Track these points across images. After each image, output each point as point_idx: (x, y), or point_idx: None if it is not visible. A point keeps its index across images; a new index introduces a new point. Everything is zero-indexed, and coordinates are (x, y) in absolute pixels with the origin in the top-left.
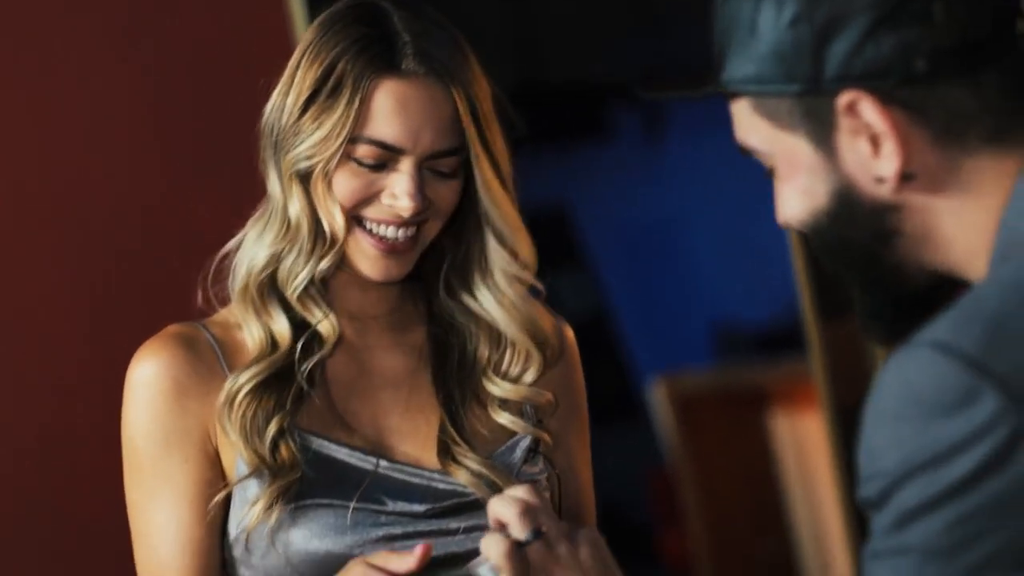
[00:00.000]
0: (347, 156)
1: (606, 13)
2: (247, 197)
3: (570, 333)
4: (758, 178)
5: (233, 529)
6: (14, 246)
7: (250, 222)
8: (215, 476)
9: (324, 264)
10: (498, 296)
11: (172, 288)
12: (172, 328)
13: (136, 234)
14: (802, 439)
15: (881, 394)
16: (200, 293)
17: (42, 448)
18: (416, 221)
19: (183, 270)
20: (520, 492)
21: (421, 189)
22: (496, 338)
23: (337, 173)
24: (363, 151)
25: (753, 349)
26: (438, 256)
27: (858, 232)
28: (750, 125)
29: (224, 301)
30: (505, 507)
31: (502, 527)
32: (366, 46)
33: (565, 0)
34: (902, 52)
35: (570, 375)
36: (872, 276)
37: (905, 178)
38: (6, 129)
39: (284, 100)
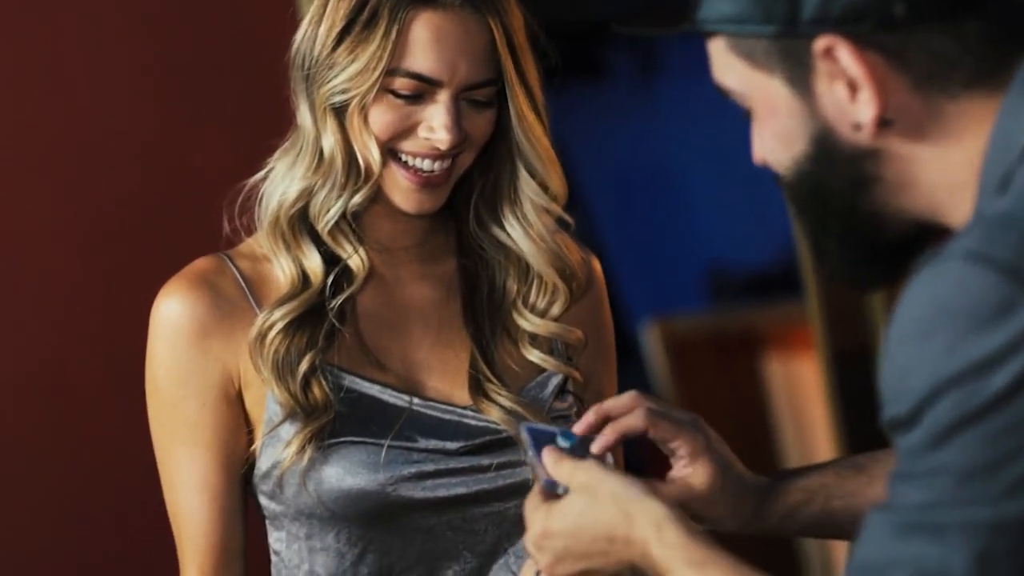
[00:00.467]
0: (383, 89)
1: None
2: (246, 131)
3: (598, 267)
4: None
5: (264, 464)
6: (12, 183)
7: (278, 153)
8: (235, 420)
9: (358, 199)
10: (526, 227)
11: (169, 222)
12: (198, 264)
13: (134, 168)
14: (796, 383)
15: (909, 309)
16: (225, 223)
17: (39, 384)
18: (453, 154)
19: (180, 204)
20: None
21: (458, 121)
22: (524, 271)
23: (373, 106)
24: (400, 84)
25: (748, 292)
26: (468, 186)
27: (837, 178)
28: (727, 65)
29: (249, 230)
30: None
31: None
32: None
33: None
34: None
35: (599, 311)
36: (849, 225)
37: (883, 124)
38: (5, 64)
39: (316, 30)
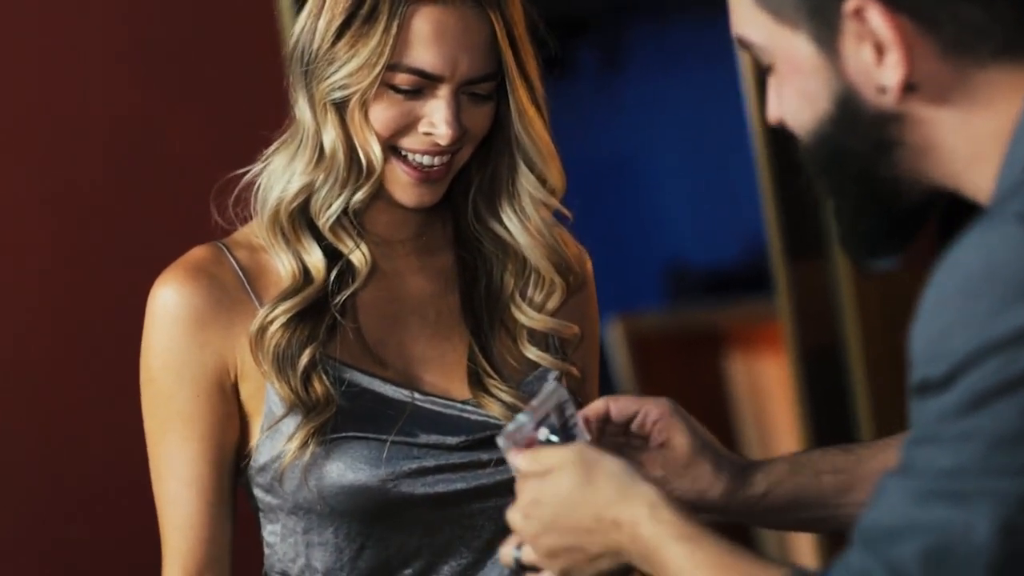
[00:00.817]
0: (384, 84)
1: None
2: (221, 120)
3: (589, 265)
4: (718, 114)
5: (263, 457)
6: None
7: (275, 145)
8: (229, 412)
9: (360, 195)
10: (524, 220)
11: (146, 209)
12: (196, 252)
13: (111, 154)
14: (760, 381)
15: (954, 269)
16: (215, 212)
17: (10, 373)
18: (453, 149)
19: (157, 190)
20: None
21: (459, 116)
22: (521, 264)
23: (374, 102)
24: (401, 79)
25: (711, 290)
26: (465, 179)
27: (859, 141)
28: (751, 17)
29: (243, 219)
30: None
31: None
32: None
33: None
34: None
35: (590, 307)
36: (866, 189)
37: (908, 89)
38: None
39: (315, 24)
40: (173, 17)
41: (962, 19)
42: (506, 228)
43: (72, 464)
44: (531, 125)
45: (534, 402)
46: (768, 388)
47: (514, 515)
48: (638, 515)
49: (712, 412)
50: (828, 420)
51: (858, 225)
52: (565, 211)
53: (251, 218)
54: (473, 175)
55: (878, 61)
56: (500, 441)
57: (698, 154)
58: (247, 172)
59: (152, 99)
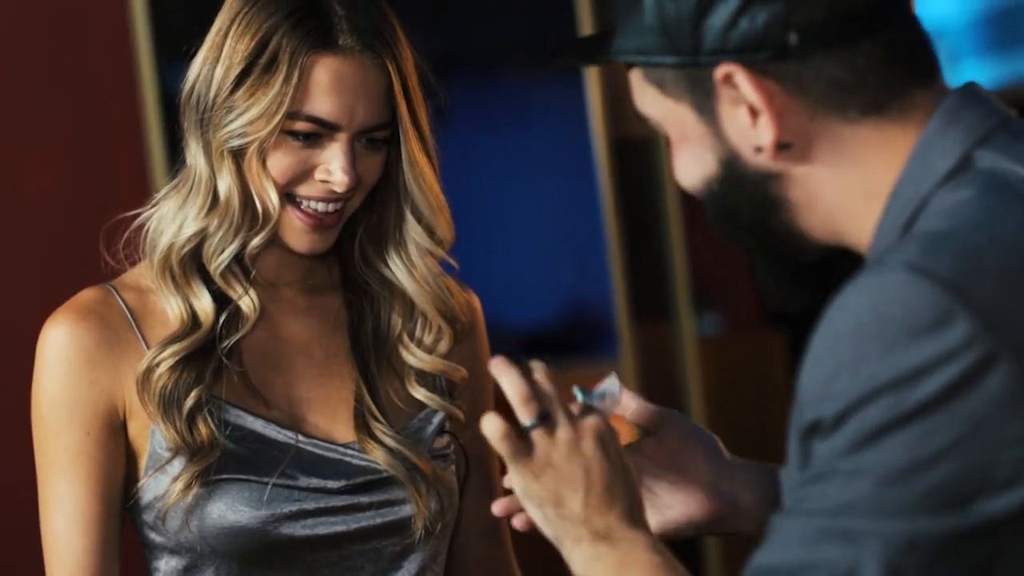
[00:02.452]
0: (282, 132)
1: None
2: (80, 165)
3: (478, 305)
4: (542, 173)
5: (147, 496)
6: None
7: (165, 189)
8: (118, 450)
9: (256, 240)
10: (410, 268)
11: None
12: (85, 294)
13: None
14: None
15: (842, 314)
16: (106, 255)
17: None
18: (347, 197)
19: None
20: (535, 370)
21: (355, 164)
22: (409, 307)
23: (271, 150)
24: (299, 127)
25: (529, 350)
26: (352, 223)
27: (745, 199)
28: (643, 93)
29: (132, 260)
30: (511, 387)
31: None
32: (301, 19)
33: None
34: (775, 26)
35: (479, 349)
36: (764, 244)
37: (782, 147)
38: None
39: (212, 71)
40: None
41: (827, 78)
42: (393, 273)
43: None
44: (421, 175)
45: (596, 388)
46: None
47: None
48: (627, 517)
49: None
50: None
51: (765, 274)
52: (452, 261)
53: (139, 260)
54: (360, 220)
55: (753, 123)
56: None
57: (514, 216)
58: (136, 214)
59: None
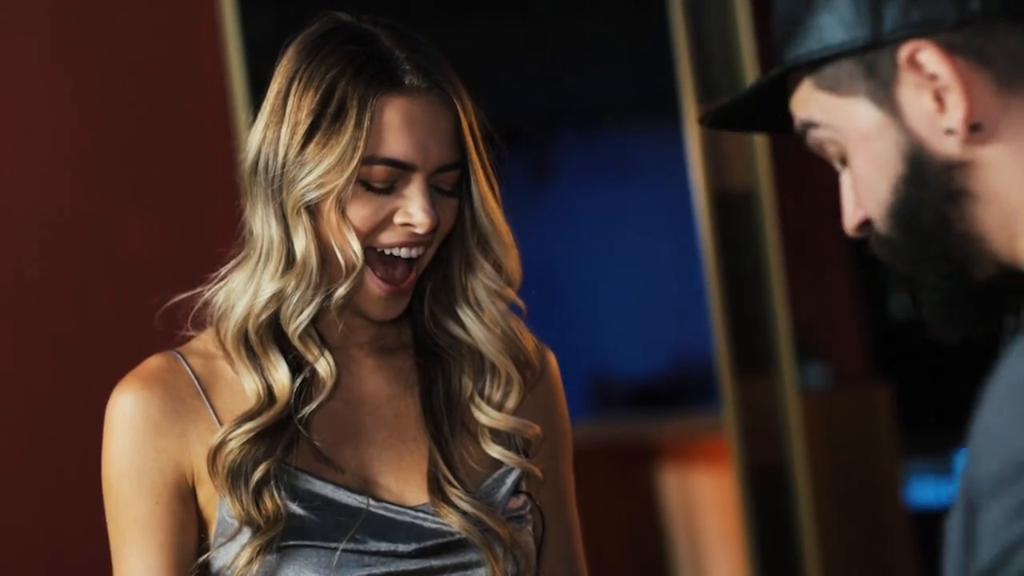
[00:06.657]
0: (357, 181)
1: (494, 55)
2: (172, 224)
3: (553, 361)
4: (643, 226)
5: (216, 563)
6: None
7: (229, 266)
8: (188, 518)
9: (341, 292)
10: (479, 312)
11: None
12: (152, 361)
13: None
14: (692, 496)
15: (1019, 368)
16: (190, 325)
17: None
18: (429, 240)
19: (103, 293)
20: None
21: (434, 204)
22: (479, 362)
23: (349, 202)
24: (375, 172)
25: (634, 403)
26: (420, 282)
27: (931, 194)
28: (813, 102)
29: (199, 325)
30: None
31: None
32: (363, 65)
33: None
34: None
35: (554, 405)
36: (940, 255)
37: (973, 129)
38: None
39: (277, 133)
40: (124, 118)
41: (1010, 52)
42: (462, 325)
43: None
44: (492, 212)
45: None
46: (701, 503)
47: None
48: None
49: (642, 526)
50: (771, 538)
51: (938, 299)
52: (520, 303)
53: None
54: (427, 280)
55: (939, 107)
56: None
57: (622, 266)
58: (198, 293)
59: (101, 199)
